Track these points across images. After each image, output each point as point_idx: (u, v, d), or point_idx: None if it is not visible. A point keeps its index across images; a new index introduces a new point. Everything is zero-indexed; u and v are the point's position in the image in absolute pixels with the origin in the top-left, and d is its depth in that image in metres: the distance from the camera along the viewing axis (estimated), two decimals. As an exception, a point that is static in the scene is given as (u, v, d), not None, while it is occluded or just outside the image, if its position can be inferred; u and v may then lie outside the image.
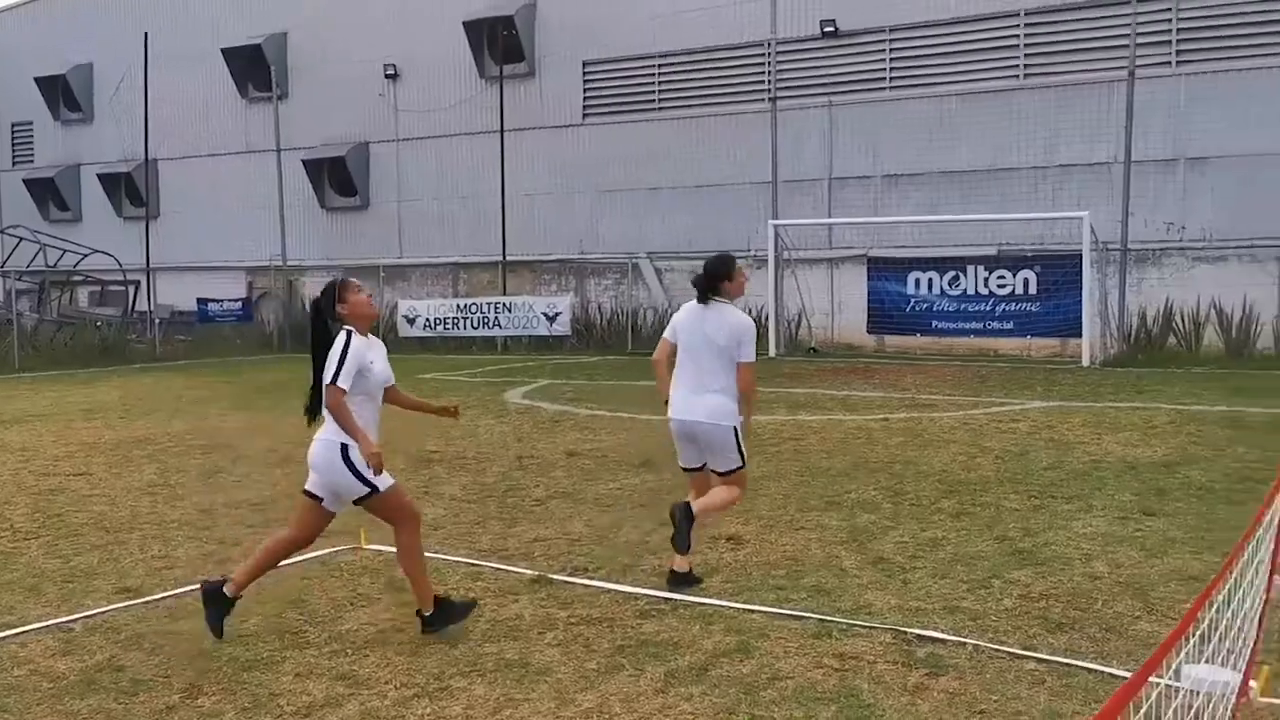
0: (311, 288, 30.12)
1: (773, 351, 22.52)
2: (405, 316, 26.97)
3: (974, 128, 23.11)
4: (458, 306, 26.82)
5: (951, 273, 22.14)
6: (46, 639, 5.36)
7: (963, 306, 22.11)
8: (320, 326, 5.41)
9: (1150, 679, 3.10)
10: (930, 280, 22.38)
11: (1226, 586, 3.45)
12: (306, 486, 5.40)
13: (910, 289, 22.59)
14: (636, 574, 6.34)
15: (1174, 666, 3.44)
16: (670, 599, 5.84)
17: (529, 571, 6.40)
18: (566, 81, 27.71)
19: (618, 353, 24.09)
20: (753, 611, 5.59)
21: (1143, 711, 2.77)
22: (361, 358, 5.23)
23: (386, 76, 29.69)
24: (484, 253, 28.24)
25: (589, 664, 4.91)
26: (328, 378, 5.16)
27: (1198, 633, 3.47)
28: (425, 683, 4.69)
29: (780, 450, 10.58)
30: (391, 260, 29.76)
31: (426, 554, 6.69)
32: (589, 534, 7.36)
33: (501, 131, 27.19)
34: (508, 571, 6.45)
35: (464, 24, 27.96)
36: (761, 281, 23.54)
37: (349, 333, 5.33)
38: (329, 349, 5.25)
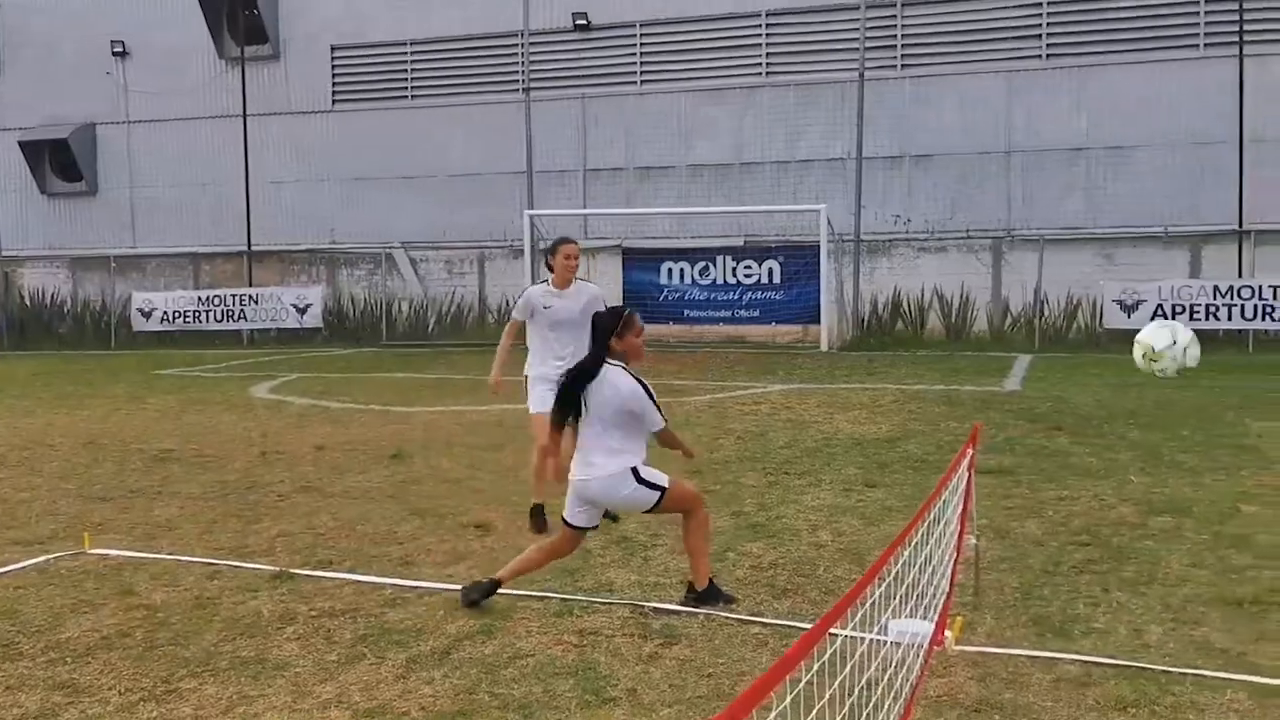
0: (31, 279, 27.99)
1: (530, 341, 22.68)
2: (140, 310, 25.44)
3: (721, 122, 24.02)
4: (199, 299, 25.54)
5: (702, 263, 22.91)
6: None
7: (713, 296, 22.92)
8: (600, 343, 5.34)
9: (861, 634, 3.41)
10: (682, 270, 23.09)
11: (912, 543, 3.80)
12: (571, 520, 5.44)
13: (663, 279, 23.23)
14: (383, 564, 6.30)
15: (882, 622, 3.78)
16: (416, 587, 5.85)
17: (269, 567, 6.24)
18: (314, 66, 26.86)
19: (372, 344, 23.61)
20: (498, 594, 5.67)
21: (851, 664, 3.04)
22: None
23: (115, 54, 27.86)
24: (228, 242, 27.02)
25: (329, 656, 4.86)
26: (658, 424, 5.34)
27: (900, 591, 3.82)
28: (152, 686, 4.52)
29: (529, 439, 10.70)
30: (124, 250, 27.98)
31: (157, 555, 6.42)
32: (335, 527, 7.24)
33: (244, 116, 26.07)
34: (247, 568, 6.26)
35: (200, 1, 26.60)
36: (519, 272, 23.64)
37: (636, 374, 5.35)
38: (594, 372, 5.25)
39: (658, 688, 4.45)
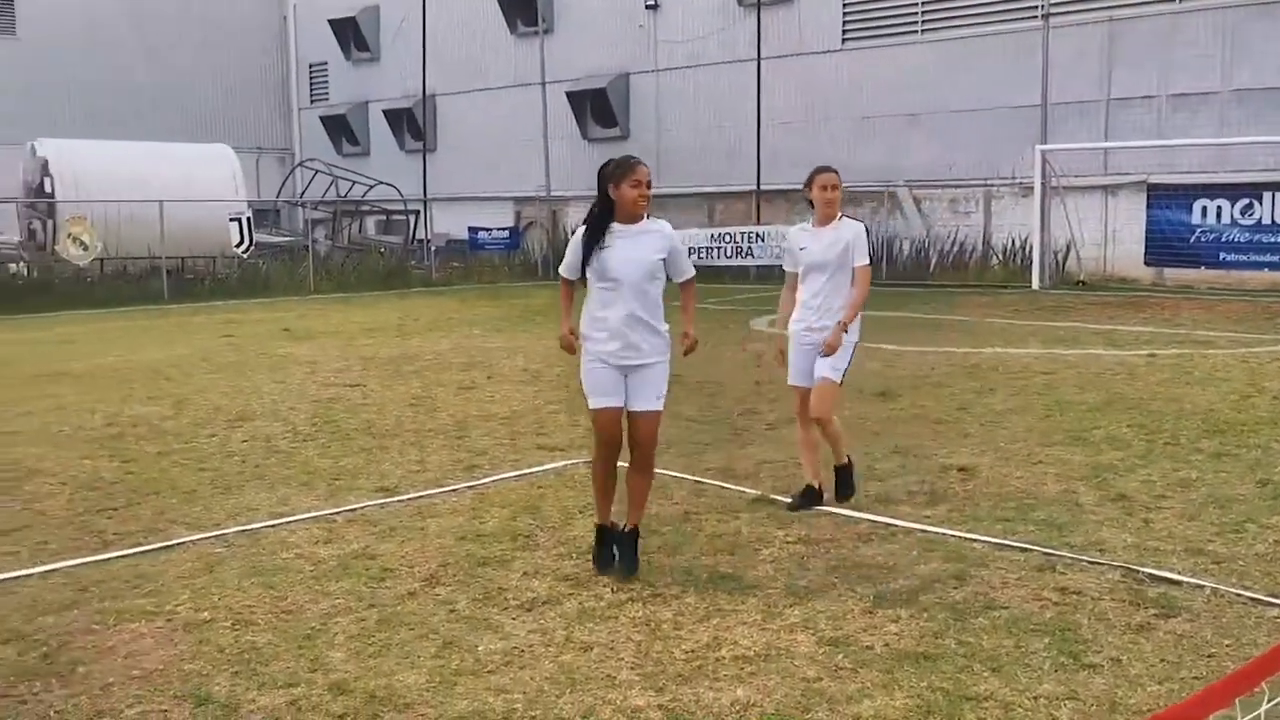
0: (574, 217, 31.14)
1: (1036, 284, 21.51)
2: (661, 245, 27.40)
3: (1271, 42, 20.93)
4: (711, 236, 27.02)
5: (1245, 200, 20.31)
6: (313, 528, 5.95)
7: (1257, 238, 20.26)
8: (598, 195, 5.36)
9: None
10: (1219, 208, 20.64)
11: None
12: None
13: (1195, 218, 20.92)
14: (858, 499, 6.32)
15: None
16: (892, 524, 5.81)
17: (752, 491, 6.51)
18: (825, 6, 27.07)
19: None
20: (975, 541, 5.48)
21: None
22: None
23: (647, 7, 29.98)
24: (738, 182, 28.24)
25: (800, 581, 4.97)
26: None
27: None
28: (640, 589, 4.90)
29: (1029, 384, 10.17)
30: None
31: (656, 470, 6.94)
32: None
33: (759, 59, 26.95)
34: (731, 490, 6.58)
35: (724, -49, 27.80)
36: (1026, 210, 22.43)
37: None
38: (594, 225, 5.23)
39: (1146, 660, 4.06)
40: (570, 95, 31.69)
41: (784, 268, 6.42)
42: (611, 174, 5.15)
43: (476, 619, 4.57)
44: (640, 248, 5.14)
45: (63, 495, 6.71)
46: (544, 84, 30.42)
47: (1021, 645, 4.21)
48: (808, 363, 6.16)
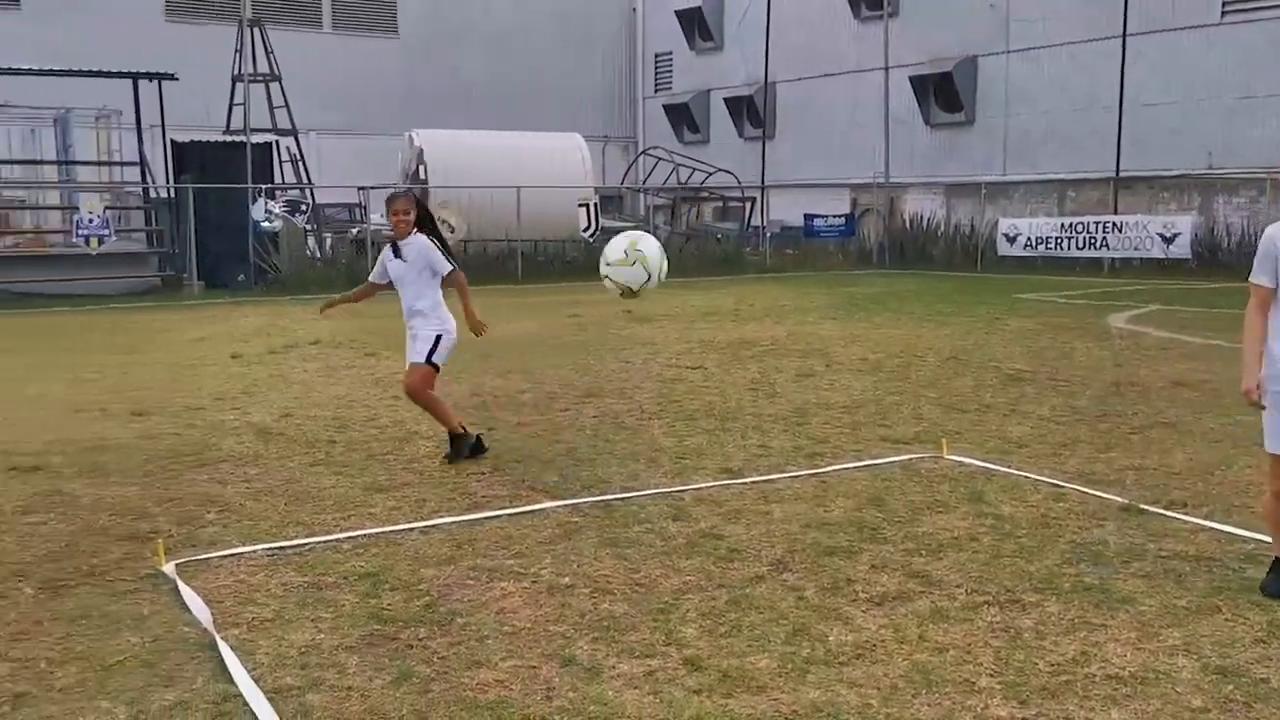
0: (911, 204, 30.40)
1: None
2: (1005, 235, 26.23)
3: None
4: (1061, 225, 25.51)
5: None
6: (661, 504, 6.12)
7: None
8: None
9: None
10: None
11: None
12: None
13: None
14: (1244, 515, 5.72)
15: None
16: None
17: (1118, 499, 6.05)
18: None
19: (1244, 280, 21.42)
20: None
21: None
22: None
23: (1003, -15, 28.69)
24: (1094, 168, 26.46)
25: (1178, 600, 4.56)
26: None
27: None
28: (996, 592, 4.68)
29: None
30: (994, 177, 28.99)
31: (1007, 469, 6.61)
32: (1191, 468, 6.76)
33: (1124, 36, 25.07)
34: (1093, 496, 6.15)
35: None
36: None
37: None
38: None
39: None
40: (913, 79, 30.87)
41: (1251, 280, 4.65)
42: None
43: (825, 608, 4.53)
44: None
45: (437, 457, 7.29)
46: (886, 68, 29.82)
47: None
48: None
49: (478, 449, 7.17)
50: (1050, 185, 27.96)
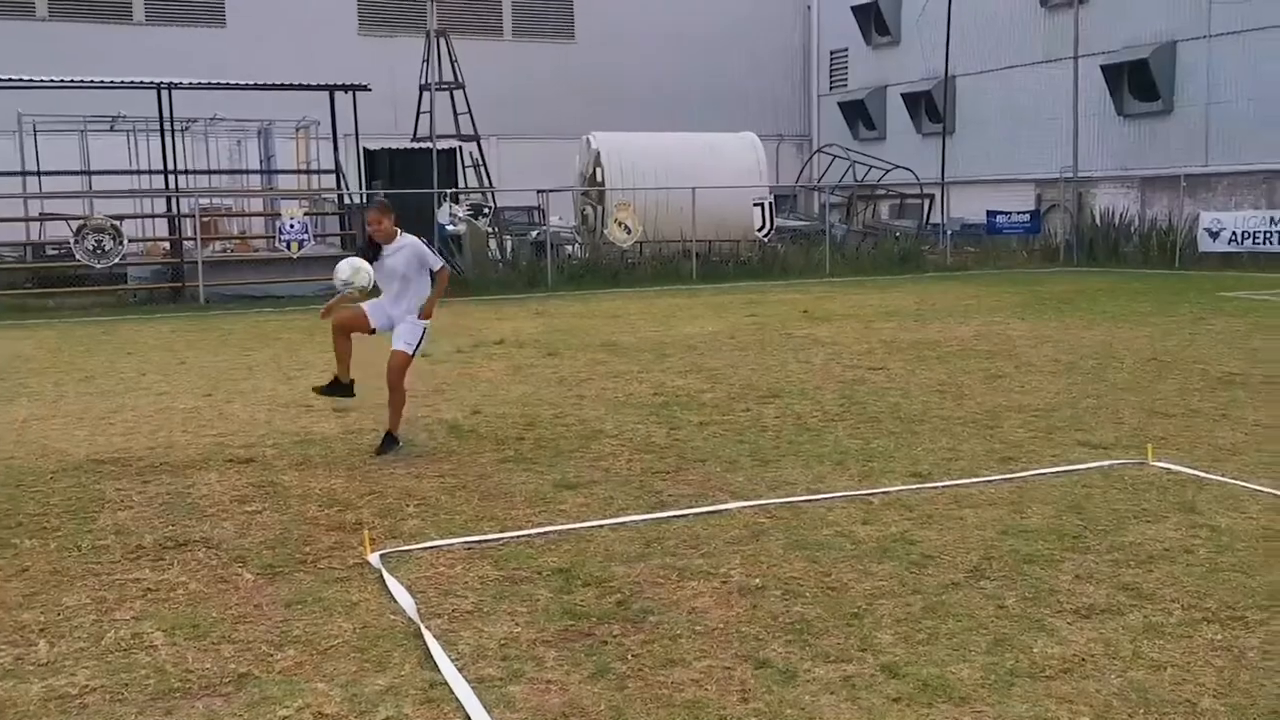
0: (1102, 198, 29.07)
1: None
2: (1207, 230, 24.74)
3: None
4: (1270, 219, 23.89)
5: None
6: (850, 507, 6.02)
7: None
8: None
9: None
10: None
11: None
12: None
13: None
14: None
15: None
16: None
17: (1348, 512, 5.63)
18: None
19: None
20: None
21: None
22: None
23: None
24: (1309, 158, 24.72)
25: None
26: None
27: None
28: (1216, 609, 4.41)
29: None
30: (1194, 169, 27.40)
31: (1221, 478, 6.24)
32: None
33: (1343, 13, 23.32)
34: (1322, 509, 5.74)
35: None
36: None
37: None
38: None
39: None
40: (1105, 69, 29.48)
41: None
42: None
43: (1028, 619, 4.36)
44: None
45: (623, 455, 7.38)
46: (1076, 58, 28.55)
47: None
48: None
49: (393, 443, 7.60)
50: (1257, 176, 26.24)
